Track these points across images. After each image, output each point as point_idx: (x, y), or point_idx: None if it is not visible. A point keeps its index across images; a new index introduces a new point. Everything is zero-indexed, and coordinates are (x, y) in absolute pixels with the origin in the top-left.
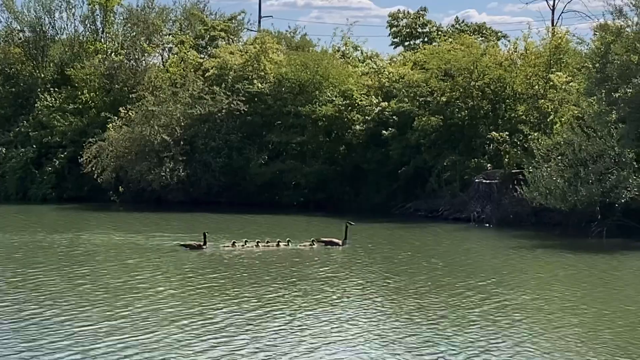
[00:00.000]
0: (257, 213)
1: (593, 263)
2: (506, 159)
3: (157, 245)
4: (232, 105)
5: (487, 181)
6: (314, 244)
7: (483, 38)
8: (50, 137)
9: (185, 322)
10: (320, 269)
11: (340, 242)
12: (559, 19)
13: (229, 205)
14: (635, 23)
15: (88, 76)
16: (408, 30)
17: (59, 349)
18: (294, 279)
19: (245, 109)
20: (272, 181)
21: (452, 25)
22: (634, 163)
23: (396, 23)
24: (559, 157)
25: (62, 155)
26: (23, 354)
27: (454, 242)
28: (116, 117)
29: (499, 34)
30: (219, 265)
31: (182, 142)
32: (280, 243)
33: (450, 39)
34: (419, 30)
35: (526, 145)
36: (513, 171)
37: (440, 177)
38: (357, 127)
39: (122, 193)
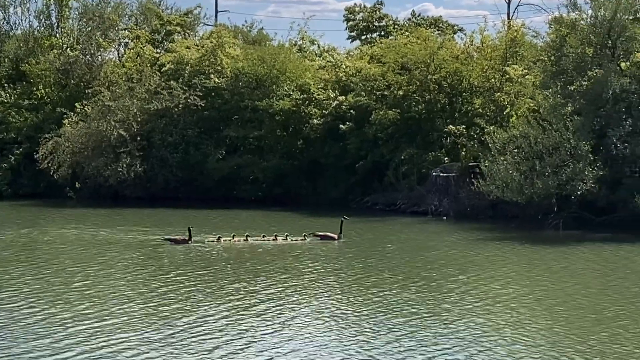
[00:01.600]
0: (215, 208)
1: (549, 255)
2: (463, 153)
3: (138, 241)
4: (189, 100)
5: (445, 174)
6: (305, 239)
7: (439, 32)
8: (5, 133)
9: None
10: (287, 264)
11: (335, 236)
12: (514, 12)
13: (186, 201)
14: (590, 16)
15: (43, 72)
16: (365, 24)
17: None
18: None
19: (202, 104)
20: (230, 176)
21: (409, 19)
22: (590, 155)
23: (353, 17)
24: (515, 150)
25: (18, 152)
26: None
27: (412, 236)
28: (72, 113)
29: (455, 27)
30: (200, 260)
31: (139, 138)
32: (277, 237)
33: (406, 33)
34: (376, 24)
35: (483, 139)
36: (470, 164)
37: (398, 171)
38: (315, 121)
39: (78, 189)
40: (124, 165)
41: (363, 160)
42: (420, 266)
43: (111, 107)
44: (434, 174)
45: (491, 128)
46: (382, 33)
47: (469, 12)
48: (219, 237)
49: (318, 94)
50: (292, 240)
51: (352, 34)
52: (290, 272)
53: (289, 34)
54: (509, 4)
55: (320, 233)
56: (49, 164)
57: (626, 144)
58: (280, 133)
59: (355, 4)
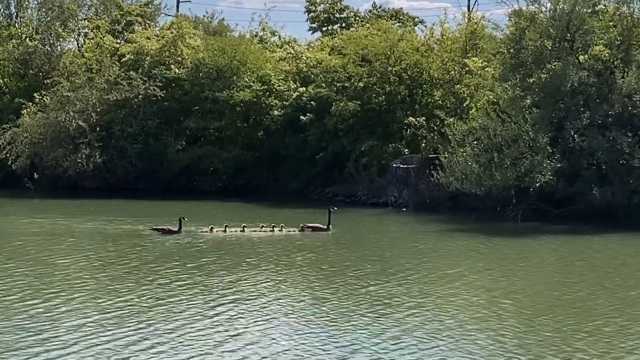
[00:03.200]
0: (175, 199)
1: (507, 246)
2: (423, 144)
3: (122, 231)
4: (148, 90)
5: (405, 166)
6: (303, 230)
7: (400, 24)
8: None
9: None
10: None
11: (326, 227)
12: (475, 4)
13: (146, 192)
14: (549, 9)
15: (2, 61)
16: (326, 15)
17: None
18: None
19: (162, 95)
20: (190, 167)
21: (370, 11)
22: (548, 148)
23: (314, 8)
24: (475, 142)
25: None
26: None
27: (372, 227)
28: (31, 103)
29: (416, 19)
30: (186, 252)
31: (98, 128)
32: (274, 228)
33: (367, 25)
34: (337, 15)
35: (443, 131)
36: (430, 156)
37: (358, 162)
38: (275, 112)
39: (37, 180)
40: (83, 156)
41: (323, 152)
42: (374, 258)
43: (70, 98)
44: (394, 165)
45: (451, 120)
46: (343, 25)
47: (430, 4)
48: (212, 228)
49: (279, 85)
50: (287, 231)
51: (313, 25)
52: (268, 263)
53: (250, 24)
54: None
55: (311, 225)
56: (7, 155)
57: (584, 137)
58: (241, 124)
59: None
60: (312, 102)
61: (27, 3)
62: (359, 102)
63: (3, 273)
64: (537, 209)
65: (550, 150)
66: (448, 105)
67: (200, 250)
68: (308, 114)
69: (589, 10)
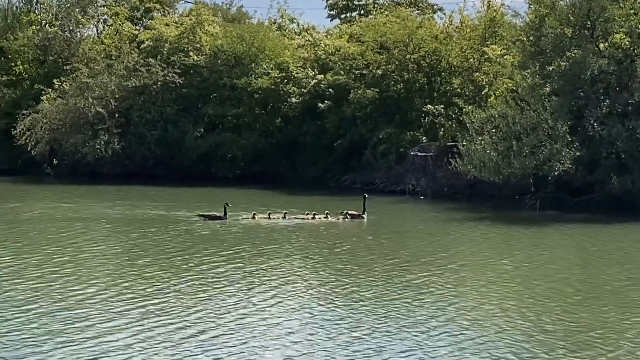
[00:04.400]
0: (193, 186)
1: (525, 235)
2: (441, 132)
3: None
4: (167, 77)
5: (423, 154)
6: (347, 217)
7: (419, 11)
8: None
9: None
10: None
11: (360, 213)
12: None
13: (164, 178)
14: None
15: (22, 48)
16: (344, 2)
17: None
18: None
19: (181, 82)
20: (208, 154)
21: None
22: (567, 136)
23: None
24: (493, 130)
25: None
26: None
27: (389, 214)
28: (50, 89)
29: (435, 7)
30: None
31: (116, 115)
32: (315, 215)
33: (386, 12)
34: (355, 2)
35: (461, 119)
36: (448, 144)
37: (376, 150)
38: (293, 99)
39: (56, 166)
40: (102, 142)
41: (341, 139)
42: (392, 245)
43: (89, 84)
44: (412, 153)
45: (469, 108)
46: (362, 12)
47: None
48: (254, 215)
49: (297, 73)
50: (331, 218)
51: (332, 12)
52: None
53: (268, 12)
54: None
55: (351, 212)
56: (27, 141)
57: (603, 125)
58: (259, 111)
59: None
60: (330, 90)
61: None
62: (377, 89)
63: (45, 259)
64: (555, 197)
65: (570, 139)
66: (466, 93)
67: (245, 236)
68: (326, 102)
69: None
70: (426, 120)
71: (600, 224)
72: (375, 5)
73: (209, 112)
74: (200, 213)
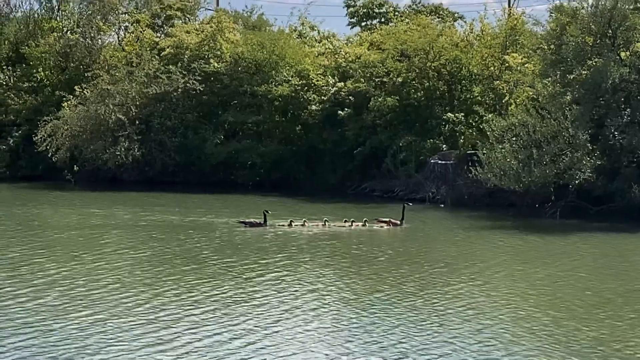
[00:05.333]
0: (213, 192)
1: (546, 244)
2: (461, 140)
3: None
4: (187, 84)
5: (443, 162)
6: (390, 225)
7: (440, 19)
8: (4, 116)
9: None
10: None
11: (399, 222)
12: (515, 0)
13: (183, 185)
14: (591, 5)
15: (43, 54)
16: (365, 10)
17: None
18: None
19: (201, 89)
20: (228, 161)
21: (409, 6)
22: (588, 145)
23: (353, 3)
24: (514, 139)
25: (17, 134)
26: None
27: (413, 223)
28: (71, 96)
29: (456, 15)
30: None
31: (137, 122)
32: (353, 223)
33: (406, 20)
34: (376, 10)
35: (481, 127)
36: (468, 152)
37: (396, 158)
38: (313, 107)
39: (77, 172)
40: (122, 149)
41: (361, 147)
42: (415, 253)
43: (110, 91)
44: (432, 161)
45: (490, 116)
46: (382, 20)
47: (472, 0)
48: (291, 222)
49: (317, 80)
50: (369, 225)
51: (352, 20)
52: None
53: (289, 19)
54: None
55: (384, 219)
56: (48, 147)
57: (624, 134)
58: (279, 118)
59: None
60: (350, 97)
61: None
62: (398, 97)
63: (84, 268)
64: (576, 206)
65: (590, 147)
66: (487, 101)
67: (283, 243)
68: (346, 109)
69: (631, 7)
70: (446, 128)
71: (620, 232)
72: (396, 13)
73: (229, 119)
74: (241, 220)
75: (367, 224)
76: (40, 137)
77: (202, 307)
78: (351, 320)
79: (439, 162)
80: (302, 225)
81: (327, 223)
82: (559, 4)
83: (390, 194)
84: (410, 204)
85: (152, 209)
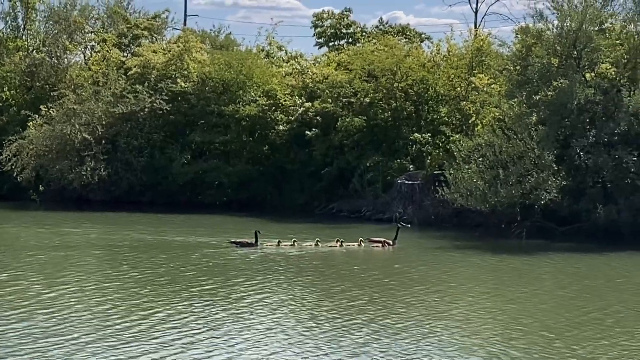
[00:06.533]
0: (180, 212)
1: (511, 264)
2: (428, 160)
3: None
4: (154, 104)
5: (410, 182)
6: (385, 245)
7: (407, 40)
8: None
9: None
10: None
11: (391, 242)
12: (481, 21)
13: (151, 205)
14: (556, 26)
15: (8, 73)
16: (332, 30)
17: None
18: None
19: (168, 108)
20: (195, 180)
21: (376, 27)
22: (554, 165)
23: (321, 23)
24: (480, 159)
25: None
26: None
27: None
28: (37, 115)
29: (423, 35)
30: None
31: (103, 141)
32: (343, 243)
33: (374, 40)
34: (343, 31)
35: (448, 147)
36: (435, 172)
37: (363, 178)
38: (281, 127)
39: (42, 192)
40: (88, 169)
41: (328, 167)
42: (378, 274)
43: (76, 110)
44: (399, 181)
45: (456, 136)
46: (350, 40)
47: (437, 21)
48: (279, 242)
49: (285, 100)
50: (365, 245)
51: (320, 40)
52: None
53: (256, 39)
54: (476, 13)
55: (377, 239)
56: (13, 167)
57: (589, 155)
58: (246, 138)
59: (323, 10)
60: (317, 117)
61: (34, 15)
62: (365, 117)
63: (67, 288)
64: (542, 226)
65: (556, 168)
66: (454, 121)
67: (270, 264)
68: (313, 129)
69: (596, 28)
70: (413, 148)
71: (586, 253)
72: (363, 34)
73: (196, 139)
74: (232, 240)
75: (362, 244)
76: (5, 157)
77: (192, 329)
78: (340, 342)
79: (406, 182)
80: (291, 245)
81: (319, 243)
82: (525, 25)
83: (357, 214)
84: (405, 224)
85: (123, 228)
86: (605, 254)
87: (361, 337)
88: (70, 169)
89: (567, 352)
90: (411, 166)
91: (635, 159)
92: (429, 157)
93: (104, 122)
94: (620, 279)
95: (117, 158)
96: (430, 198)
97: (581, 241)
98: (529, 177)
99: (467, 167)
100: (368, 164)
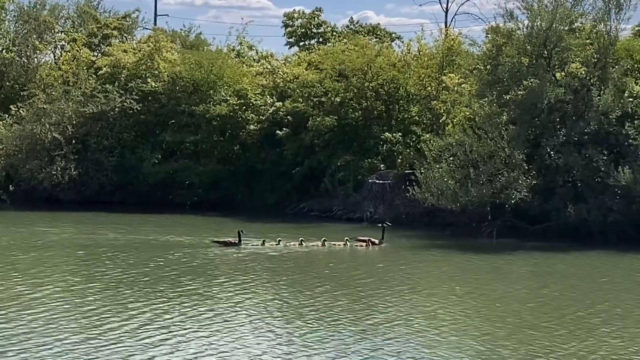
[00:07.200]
0: (150, 212)
1: (482, 263)
2: (399, 160)
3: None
4: (125, 103)
5: (380, 181)
6: (369, 244)
7: (377, 39)
8: None
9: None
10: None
11: (377, 241)
12: (452, 21)
13: (121, 205)
14: (526, 26)
15: None
16: (303, 30)
17: None
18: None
19: (139, 108)
20: (166, 180)
21: (347, 26)
22: (524, 164)
23: (291, 23)
24: (451, 158)
25: None
26: None
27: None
28: (7, 115)
29: (393, 35)
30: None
31: (73, 141)
32: (325, 242)
33: (344, 40)
34: (314, 30)
35: (419, 146)
36: (406, 172)
37: (334, 177)
38: (252, 126)
39: (12, 192)
40: (59, 169)
41: (299, 167)
42: (347, 273)
43: (46, 110)
44: (370, 180)
45: (427, 136)
46: (321, 40)
47: (408, 21)
48: (264, 241)
49: (255, 100)
50: (353, 245)
51: (291, 40)
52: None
53: (227, 39)
54: (446, 12)
55: (365, 238)
56: None
57: (560, 154)
58: (217, 138)
59: (294, 9)
60: (288, 117)
61: (3, 15)
62: (336, 117)
63: (47, 288)
64: (512, 225)
65: (526, 167)
66: (424, 121)
67: (261, 264)
68: (284, 129)
69: (566, 28)
70: (384, 148)
71: (556, 252)
72: (334, 33)
73: (166, 139)
74: (215, 239)
75: (347, 243)
76: None
77: (181, 329)
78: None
79: (377, 181)
80: (276, 244)
81: (303, 243)
82: (495, 25)
83: (328, 213)
84: (389, 223)
85: (99, 228)
86: (575, 252)
87: (349, 337)
88: (40, 169)
89: (558, 351)
90: (382, 165)
91: (605, 158)
92: (400, 157)
93: (74, 122)
94: (603, 278)
95: (87, 158)
96: (401, 197)
97: (552, 240)
98: (500, 176)
99: (437, 166)
100: (339, 164)
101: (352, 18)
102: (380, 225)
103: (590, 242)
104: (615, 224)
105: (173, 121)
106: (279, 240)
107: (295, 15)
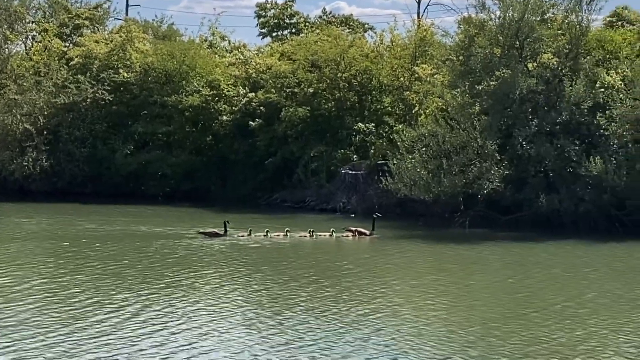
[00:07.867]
0: (122, 203)
1: (454, 253)
2: (372, 151)
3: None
4: (97, 94)
5: (353, 172)
6: (356, 235)
7: (350, 30)
8: None
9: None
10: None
11: (368, 232)
12: (424, 11)
13: (93, 196)
14: (498, 16)
15: None
16: (276, 21)
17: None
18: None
19: (111, 99)
20: (138, 171)
21: (320, 17)
22: (496, 155)
23: (264, 14)
24: (423, 149)
25: None
26: None
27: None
28: None
29: (366, 26)
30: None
31: (45, 132)
32: (314, 233)
33: (317, 31)
34: (287, 21)
35: (392, 137)
36: (379, 162)
37: (307, 168)
38: (224, 117)
39: None
40: (30, 160)
41: (272, 157)
42: (318, 263)
43: (17, 101)
44: (342, 171)
45: (400, 126)
46: (293, 30)
47: (380, 11)
48: (250, 231)
49: (228, 91)
50: (337, 235)
51: (263, 30)
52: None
53: (199, 29)
54: (419, 3)
55: (353, 229)
56: None
57: (532, 144)
58: (190, 129)
59: (267, 0)
60: (261, 108)
61: None
62: (309, 108)
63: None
64: (485, 215)
65: (499, 157)
66: (397, 111)
67: (248, 255)
68: (257, 120)
69: (538, 19)
70: (357, 138)
71: (528, 242)
72: (307, 24)
73: (139, 130)
74: (200, 230)
75: (334, 234)
76: None
77: (169, 320)
78: (319, 332)
79: (350, 172)
80: (264, 235)
81: (288, 233)
82: (467, 15)
83: (301, 204)
84: (379, 214)
85: (75, 219)
86: (546, 242)
87: (341, 327)
88: (11, 160)
89: (548, 340)
90: (355, 156)
91: (576, 148)
92: (373, 147)
93: (45, 113)
94: (587, 268)
95: (59, 149)
96: (374, 188)
97: (523, 230)
98: (472, 166)
99: (410, 157)
100: (312, 154)
101: (324, 9)
102: (375, 215)
103: (563, 232)
104: (587, 213)
105: (145, 112)
106: (267, 231)
107: (268, 5)
